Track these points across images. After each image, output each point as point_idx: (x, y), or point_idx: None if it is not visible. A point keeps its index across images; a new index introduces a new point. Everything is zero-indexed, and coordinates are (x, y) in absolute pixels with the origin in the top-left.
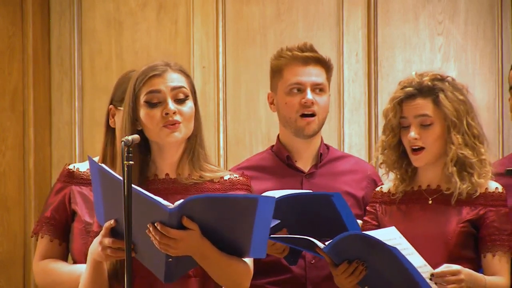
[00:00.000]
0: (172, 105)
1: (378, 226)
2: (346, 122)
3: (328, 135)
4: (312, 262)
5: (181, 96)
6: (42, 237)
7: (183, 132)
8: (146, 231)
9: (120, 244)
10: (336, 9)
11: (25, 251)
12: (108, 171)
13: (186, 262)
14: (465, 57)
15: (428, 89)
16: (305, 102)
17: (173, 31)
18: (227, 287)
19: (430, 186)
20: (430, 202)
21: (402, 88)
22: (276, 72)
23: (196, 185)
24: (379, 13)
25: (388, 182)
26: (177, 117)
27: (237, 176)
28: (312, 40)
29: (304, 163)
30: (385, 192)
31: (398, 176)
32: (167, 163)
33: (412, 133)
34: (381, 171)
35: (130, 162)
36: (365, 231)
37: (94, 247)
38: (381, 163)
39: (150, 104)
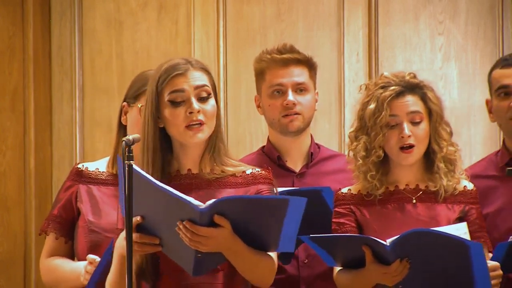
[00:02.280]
0: (196, 105)
1: (358, 228)
2: (347, 122)
3: (328, 135)
4: (305, 261)
5: (204, 94)
6: (47, 235)
7: (206, 132)
8: (176, 228)
9: (146, 238)
10: (336, 9)
11: (25, 251)
12: (138, 170)
13: (215, 257)
14: (466, 57)
15: (415, 86)
16: (286, 104)
17: (174, 31)
18: (253, 281)
19: (409, 186)
20: (414, 201)
21: (383, 88)
22: (259, 75)
23: (218, 179)
24: (380, 13)
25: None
26: (201, 116)
27: (259, 170)
28: (313, 40)
29: (295, 163)
30: (355, 194)
31: (376, 179)
32: (189, 159)
33: (406, 130)
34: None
35: (131, 162)
36: (346, 233)
37: (121, 243)
38: (362, 165)
39: (174, 103)
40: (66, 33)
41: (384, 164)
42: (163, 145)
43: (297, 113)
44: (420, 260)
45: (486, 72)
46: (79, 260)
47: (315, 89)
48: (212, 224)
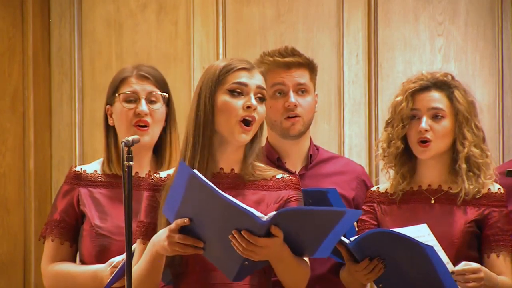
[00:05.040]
0: (254, 101)
1: (378, 226)
2: (347, 123)
3: (328, 136)
4: None
5: (261, 96)
6: (52, 240)
7: (251, 134)
8: (229, 237)
9: (190, 241)
10: (336, 10)
11: (25, 252)
12: (201, 177)
13: (259, 264)
14: (465, 58)
15: (443, 83)
16: (288, 106)
17: (173, 32)
18: (291, 286)
19: (431, 186)
20: (432, 201)
21: (414, 82)
22: None
23: (250, 182)
24: (379, 14)
25: (385, 182)
26: (255, 114)
27: (289, 176)
28: (312, 41)
29: (294, 165)
30: (382, 192)
31: (400, 173)
32: (224, 158)
33: (424, 124)
34: (380, 172)
35: (131, 162)
36: (364, 230)
37: (160, 241)
38: (384, 157)
39: (234, 93)
40: (66, 34)
41: (410, 161)
42: (206, 139)
43: (297, 116)
44: (393, 260)
45: (485, 73)
46: (83, 263)
47: (314, 91)
48: (267, 234)
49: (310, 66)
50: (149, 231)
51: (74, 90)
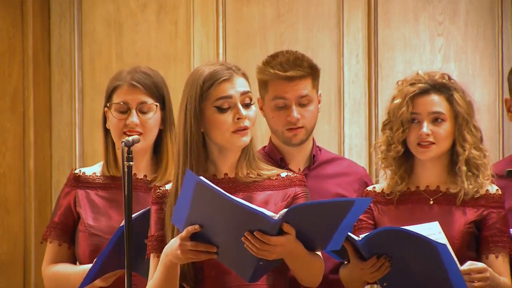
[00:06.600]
0: (243, 111)
1: (375, 226)
2: (347, 123)
3: (328, 136)
4: None
5: (248, 100)
6: (51, 242)
7: (249, 136)
8: (242, 238)
9: (202, 247)
10: (336, 10)
11: (25, 252)
12: (208, 183)
13: (274, 263)
14: (465, 58)
15: (442, 86)
16: (290, 120)
17: (173, 32)
18: (305, 281)
19: (429, 187)
20: (431, 202)
21: (412, 84)
22: (262, 84)
23: (255, 183)
24: (379, 14)
25: (382, 182)
26: (247, 122)
27: (293, 173)
28: (312, 41)
29: (297, 166)
30: (378, 192)
31: (398, 175)
32: (227, 164)
33: (425, 129)
34: (379, 173)
35: (131, 162)
36: (361, 229)
37: (172, 250)
38: (383, 159)
39: (221, 109)
40: (66, 34)
41: (408, 162)
42: (200, 149)
43: (300, 127)
44: (400, 259)
45: (485, 73)
46: (80, 264)
47: (317, 92)
48: (279, 232)
49: (312, 74)
50: (161, 244)
51: (74, 90)
